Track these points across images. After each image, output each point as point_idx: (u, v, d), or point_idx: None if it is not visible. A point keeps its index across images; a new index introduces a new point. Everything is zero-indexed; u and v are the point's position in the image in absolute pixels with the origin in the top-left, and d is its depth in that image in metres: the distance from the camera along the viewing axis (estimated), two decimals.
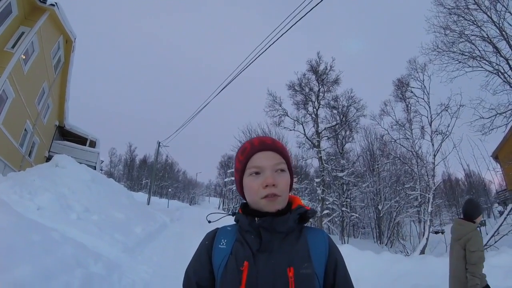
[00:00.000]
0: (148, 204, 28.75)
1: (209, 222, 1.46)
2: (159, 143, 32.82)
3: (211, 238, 1.29)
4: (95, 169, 20.37)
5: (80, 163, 14.02)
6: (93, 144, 25.05)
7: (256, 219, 1.20)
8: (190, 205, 67.34)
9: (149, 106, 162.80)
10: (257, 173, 1.22)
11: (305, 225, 1.32)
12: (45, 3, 13.37)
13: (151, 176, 36.49)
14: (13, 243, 4.03)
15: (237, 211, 1.34)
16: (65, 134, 23.20)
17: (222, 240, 1.26)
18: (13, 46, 12.16)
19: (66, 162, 12.48)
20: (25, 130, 15.31)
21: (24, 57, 12.83)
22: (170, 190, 71.91)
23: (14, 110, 12.97)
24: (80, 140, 23.90)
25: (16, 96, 12.77)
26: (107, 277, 5.56)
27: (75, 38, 17.21)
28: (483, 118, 13.53)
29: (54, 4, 13.70)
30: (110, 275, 5.78)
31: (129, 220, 11.30)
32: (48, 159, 17.47)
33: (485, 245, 9.77)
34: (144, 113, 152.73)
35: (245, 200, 1.32)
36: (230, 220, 1.34)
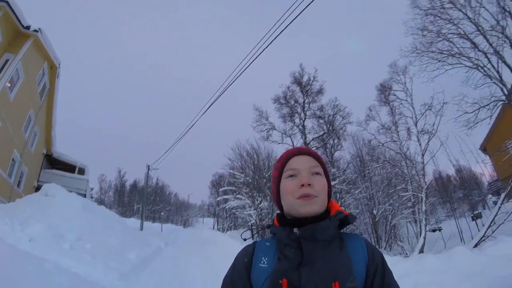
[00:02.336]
0: (141, 229, 28.34)
1: (245, 240, 1.45)
2: (149, 166, 32.40)
3: (250, 254, 1.22)
4: (85, 196, 20.16)
5: (70, 191, 13.83)
6: (82, 171, 24.79)
7: (295, 229, 1.14)
8: (184, 227, 66.71)
9: (137, 130, 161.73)
10: (293, 175, 1.21)
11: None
12: (29, 29, 13.30)
13: (142, 200, 36.08)
14: (7, 276, 3.93)
15: (272, 222, 1.29)
16: (53, 162, 22.92)
17: (263, 258, 1.18)
18: None
19: (55, 191, 12.32)
20: (13, 159, 15.09)
21: (9, 84, 12.72)
22: (162, 213, 71.05)
23: (1, 139, 12.83)
24: (69, 167, 23.64)
25: (2, 125, 12.63)
26: None
27: (59, 64, 17.10)
28: (467, 113, 13.68)
29: (38, 29, 13.64)
30: None
31: (122, 247, 11.15)
32: (37, 188, 17.21)
33: (483, 236, 9.85)
34: (132, 137, 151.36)
35: (281, 211, 1.29)
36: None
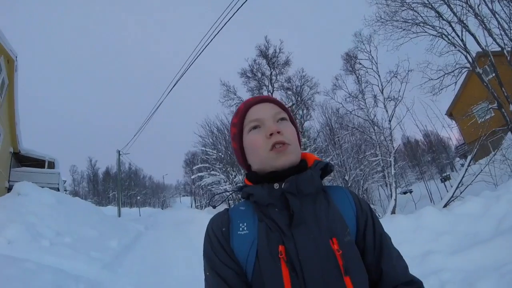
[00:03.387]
0: (119, 216, 28.14)
1: (214, 207, 1.35)
2: (119, 151, 31.95)
3: (226, 222, 1.04)
4: (58, 190, 19.81)
5: (42, 187, 13.58)
6: (51, 165, 24.21)
7: (275, 185, 0.99)
8: (162, 209, 66.47)
9: (103, 115, 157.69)
10: (256, 127, 1.07)
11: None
12: None
13: (117, 187, 35.61)
14: None
15: (244, 184, 1.12)
16: (21, 159, 22.25)
17: (241, 225, 1.02)
18: None
19: (28, 189, 12.09)
20: None
21: None
22: (139, 198, 70.49)
23: None
24: (38, 163, 23.01)
25: None
26: None
27: (16, 57, 16.38)
28: (432, 79, 14.14)
29: None
30: None
31: (102, 236, 11.13)
32: (10, 189, 16.81)
33: (451, 197, 10.25)
34: (99, 123, 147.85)
35: (249, 171, 1.14)
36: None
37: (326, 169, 1.09)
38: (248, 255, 0.95)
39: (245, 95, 24.52)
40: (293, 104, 23.93)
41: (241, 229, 1.00)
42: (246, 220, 1.02)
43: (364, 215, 1.06)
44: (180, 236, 13.75)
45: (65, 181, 33.49)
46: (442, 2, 13.36)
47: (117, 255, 9.60)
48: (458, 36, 13.24)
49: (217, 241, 1.00)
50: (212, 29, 11.72)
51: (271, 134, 1.01)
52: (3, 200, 11.25)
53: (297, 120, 24.52)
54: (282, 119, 1.09)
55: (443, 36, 13.67)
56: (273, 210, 0.99)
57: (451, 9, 13.11)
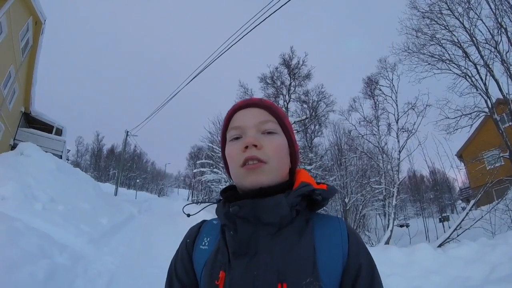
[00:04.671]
0: (116, 195, 28.27)
1: (188, 215, 1.09)
2: (127, 132, 32.06)
3: (194, 235, 1.00)
4: (61, 158, 19.89)
5: (46, 151, 13.66)
6: (59, 132, 24.32)
7: (231, 206, 0.86)
8: (158, 196, 66.86)
9: (118, 95, 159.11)
10: (237, 137, 0.93)
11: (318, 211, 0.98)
12: None
13: (119, 166, 35.75)
14: None
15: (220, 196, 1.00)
16: (30, 121, 22.40)
17: (205, 239, 0.96)
18: None
19: (31, 150, 12.16)
20: None
21: None
22: (138, 181, 71.08)
23: None
24: (46, 127, 23.14)
25: None
26: (72, 268, 5.51)
27: (45, 20, 16.51)
28: (448, 118, 13.99)
29: None
30: (75, 266, 5.74)
31: (95, 211, 11.15)
32: (14, 147, 16.90)
33: (448, 238, 10.21)
34: (112, 102, 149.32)
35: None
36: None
37: (313, 196, 0.88)
38: (201, 272, 0.90)
39: None
40: (306, 118, 23.90)
41: (203, 243, 0.95)
42: (211, 235, 0.97)
43: (356, 264, 0.84)
44: (171, 226, 13.74)
45: (69, 150, 33.63)
46: (471, 43, 13.30)
47: (105, 233, 9.60)
48: (481, 79, 13.12)
49: (181, 252, 0.99)
50: (242, 29, 11.66)
51: (246, 147, 0.87)
52: (5, 157, 11.31)
53: (307, 134, 24.68)
54: (270, 132, 0.92)
55: (467, 77, 13.56)
56: (228, 232, 0.89)
57: (479, 52, 13.02)
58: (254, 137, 0.87)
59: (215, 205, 0.98)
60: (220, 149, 1.11)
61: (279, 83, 24.61)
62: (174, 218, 15.72)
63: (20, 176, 9.58)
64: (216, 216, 0.98)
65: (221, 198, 0.96)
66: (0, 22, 12.28)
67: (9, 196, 7.98)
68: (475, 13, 13.24)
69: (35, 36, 16.91)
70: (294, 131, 1.04)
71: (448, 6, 13.90)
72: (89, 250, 7.25)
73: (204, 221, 1.05)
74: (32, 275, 4.24)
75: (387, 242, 12.96)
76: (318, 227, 0.89)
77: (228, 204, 0.88)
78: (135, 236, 11.14)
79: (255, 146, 0.86)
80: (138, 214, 17.97)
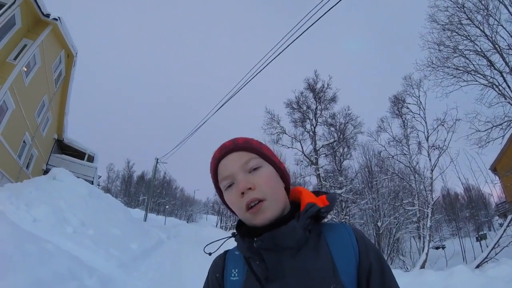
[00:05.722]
0: (145, 220, 28.53)
1: (210, 254, 1.14)
2: (157, 159, 32.75)
3: (221, 268, 1.08)
4: (92, 183, 20.27)
5: (78, 177, 13.94)
6: (91, 159, 25.01)
7: (254, 240, 0.95)
8: (187, 222, 67.05)
9: (149, 123, 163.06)
10: (230, 185, 1.00)
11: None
12: (49, 17, 13.50)
13: (148, 192, 36.26)
14: (8, 252, 3.98)
15: (235, 230, 1.10)
16: (63, 148, 23.16)
17: (233, 270, 1.04)
18: (15, 58, 12.23)
19: (63, 175, 12.41)
20: (24, 142, 15.29)
21: (25, 69, 12.89)
22: (167, 207, 71.61)
23: (13, 122, 13.01)
24: (79, 154, 23.89)
25: (16, 108, 12.82)
26: None
27: (76, 53, 17.32)
28: (479, 131, 13.57)
29: (57, 18, 13.85)
30: None
31: (125, 236, 11.20)
32: (46, 172, 17.40)
33: (486, 257, 9.78)
34: (143, 130, 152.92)
35: None
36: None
37: (320, 214, 1.00)
38: None
39: (288, 126, 24.57)
40: (334, 141, 23.74)
41: (233, 275, 1.03)
42: (237, 266, 1.04)
43: (367, 262, 0.94)
44: (200, 251, 13.58)
45: (100, 177, 34.44)
46: (494, 50, 13.10)
47: (135, 258, 9.62)
48: (508, 87, 12.83)
49: (212, 285, 1.07)
50: (265, 58, 11.79)
51: (242, 193, 0.95)
52: (38, 180, 11.60)
53: (336, 158, 24.41)
54: (255, 169, 0.99)
55: (494, 86, 13.29)
56: (254, 262, 0.97)
57: (503, 59, 12.80)
58: (245, 181, 0.96)
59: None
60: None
61: (305, 108, 24.70)
62: (202, 244, 15.47)
63: (52, 199, 9.75)
64: (236, 246, 1.07)
65: (236, 233, 1.05)
66: (34, 54, 12.84)
67: (41, 218, 8.11)
68: (495, 19, 13.08)
69: (68, 68, 17.72)
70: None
71: (467, 15, 13.77)
72: (119, 274, 7.23)
73: (226, 251, 1.13)
74: None
75: (422, 266, 12.53)
76: (329, 236, 0.99)
77: (247, 239, 0.98)
78: (164, 261, 11.09)
79: (250, 188, 0.95)
80: (167, 240, 17.97)
